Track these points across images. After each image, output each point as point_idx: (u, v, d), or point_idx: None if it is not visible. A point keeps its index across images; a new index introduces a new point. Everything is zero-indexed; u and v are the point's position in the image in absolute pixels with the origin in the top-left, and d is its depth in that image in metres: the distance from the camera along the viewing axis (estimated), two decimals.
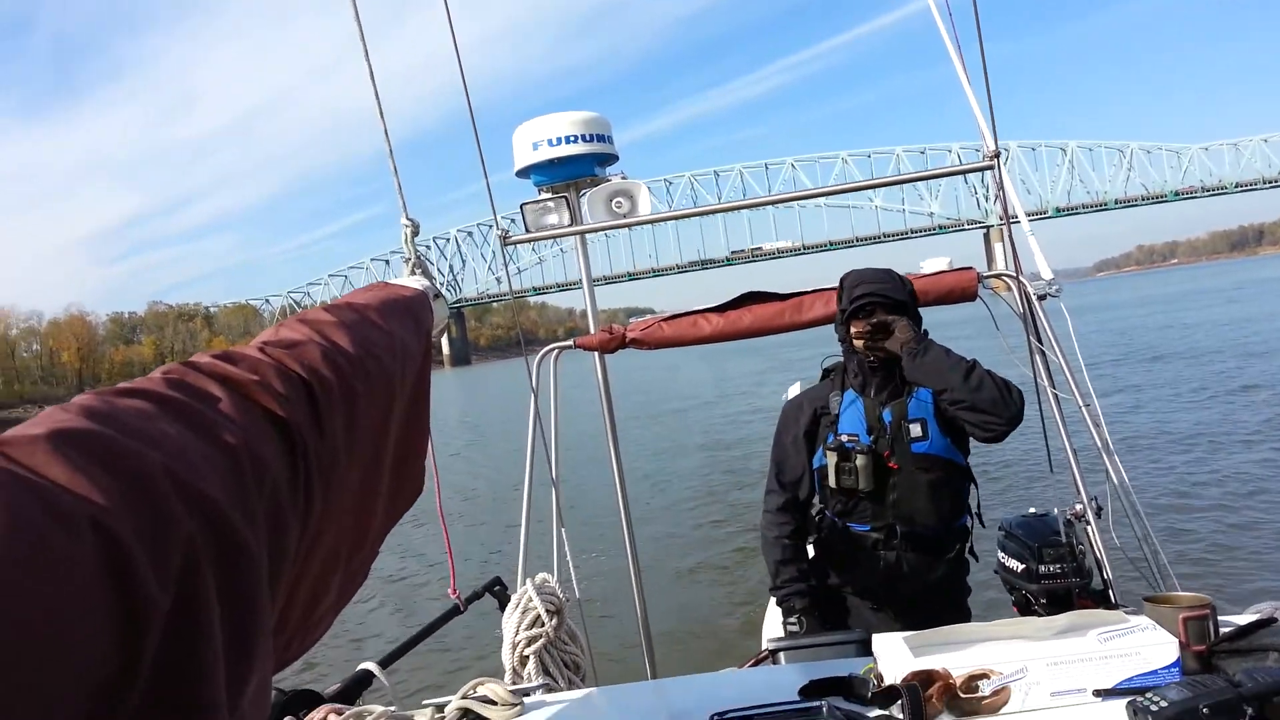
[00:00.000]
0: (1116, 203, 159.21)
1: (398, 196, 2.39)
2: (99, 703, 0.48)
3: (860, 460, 2.76)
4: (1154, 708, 1.27)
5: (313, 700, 2.00)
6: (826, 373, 3.13)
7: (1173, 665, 1.44)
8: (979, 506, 3.02)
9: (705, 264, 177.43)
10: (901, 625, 2.77)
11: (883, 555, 2.85)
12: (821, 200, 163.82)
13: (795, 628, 2.87)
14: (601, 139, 3.89)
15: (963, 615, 2.99)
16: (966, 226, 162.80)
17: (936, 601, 2.91)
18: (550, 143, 3.82)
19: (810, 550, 3.10)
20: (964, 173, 3.04)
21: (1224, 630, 1.58)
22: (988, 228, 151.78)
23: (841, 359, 3.02)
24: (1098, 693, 1.41)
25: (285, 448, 0.80)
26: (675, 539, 10.51)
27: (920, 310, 2.94)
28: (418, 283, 1.61)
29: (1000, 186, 2.81)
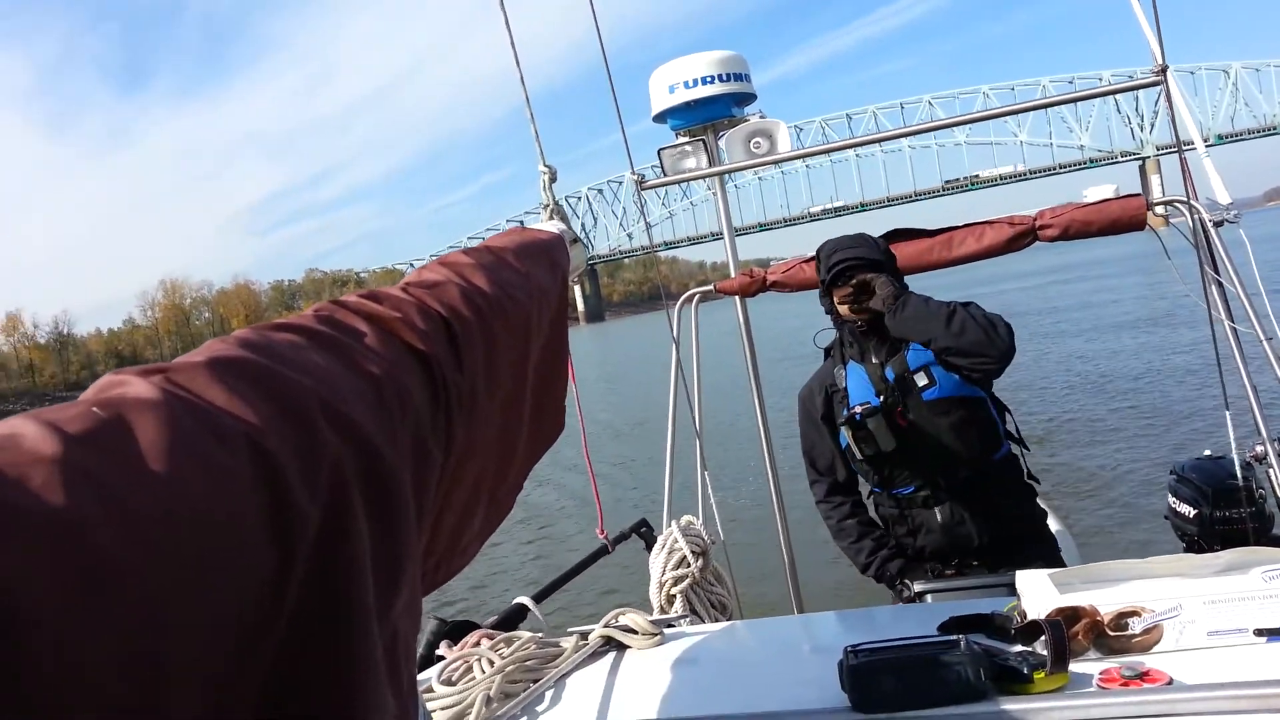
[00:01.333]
0: (1221, 138, 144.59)
1: (535, 144, 2.43)
2: (262, 595, 0.53)
3: (872, 423, 2.74)
4: None
5: (471, 629, 2.12)
6: (827, 352, 3.08)
7: None
8: (1018, 431, 2.95)
9: (839, 211, 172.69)
10: (989, 573, 2.77)
11: (936, 511, 2.82)
12: (963, 137, 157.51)
13: (904, 590, 2.82)
14: (739, 78, 3.82)
15: (1049, 546, 2.93)
16: (1120, 159, 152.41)
17: (1012, 539, 2.85)
18: (687, 85, 3.79)
19: None
20: (1130, 90, 2.83)
21: None
22: (1143, 159, 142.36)
23: (835, 334, 3.01)
24: (1260, 632, 1.33)
25: (426, 380, 0.84)
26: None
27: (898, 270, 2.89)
28: (555, 227, 1.65)
29: (1170, 104, 2.60)
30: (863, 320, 2.81)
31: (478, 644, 1.85)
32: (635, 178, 3.38)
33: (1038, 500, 2.97)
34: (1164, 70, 2.52)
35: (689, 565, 2.61)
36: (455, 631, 2.18)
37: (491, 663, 1.71)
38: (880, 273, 2.78)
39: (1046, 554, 2.89)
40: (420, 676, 1.76)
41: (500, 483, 1.14)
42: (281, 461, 0.57)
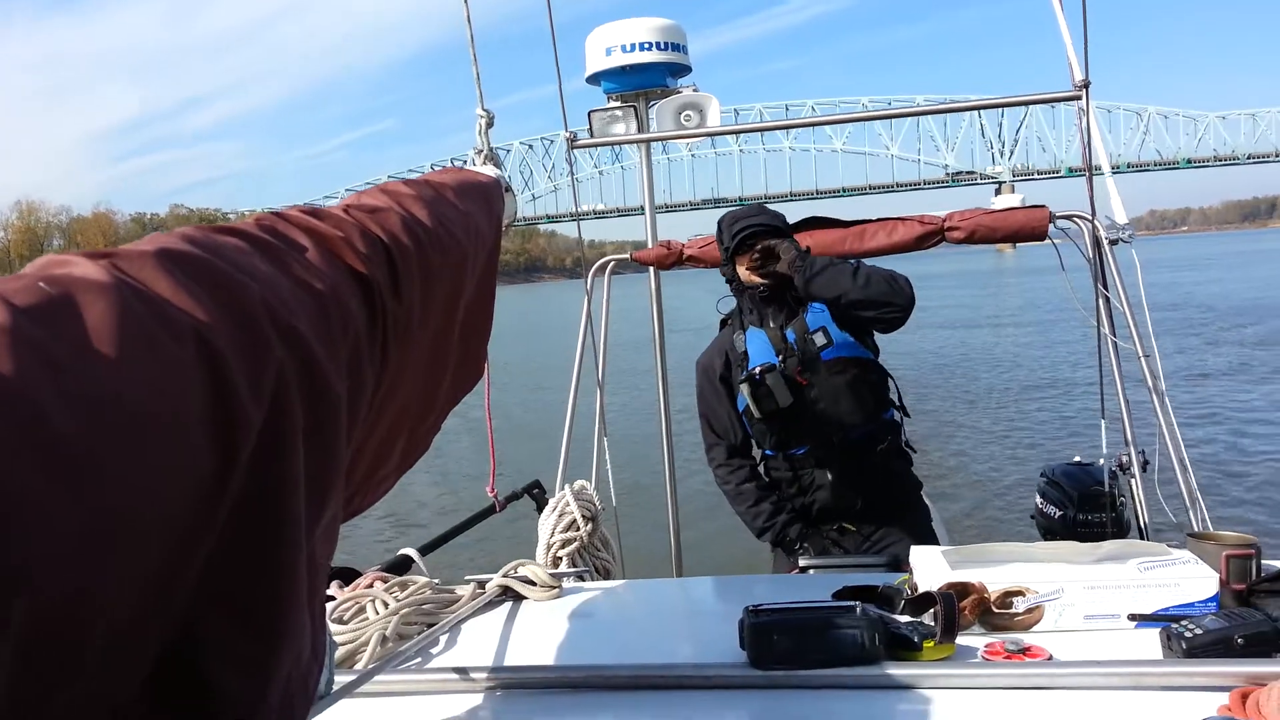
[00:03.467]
0: (1129, 166, 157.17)
1: (475, 86, 2.38)
2: (201, 497, 0.51)
3: (771, 379, 2.83)
4: (1188, 634, 1.28)
5: (355, 575, 2.08)
6: (724, 321, 3.16)
7: (1210, 600, 1.44)
8: (901, 398, 3.09)
9: (717, 203, 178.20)
10: (862, 538, 2.96)
11: (829, 468, 2.92)
12: (840, 144, 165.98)
13: (803, 553, 2.90)
14: (677, 48, 3.82)
15: (924, 515, 3.11)
16: (979, 180, 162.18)
17: (894, 503, 3.01)
18: (625, 49, 3.76)
19: None
20: (1049, 101, 2.95)
21: (1266, 573, 1.57)
22: (999, 183, 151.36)
23: (735, 304, 3.08)
24: (1133, 618, 1.42)
25: (366, 303, 0.82)
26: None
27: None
28: (491, 171, 1.63)
29: (1084, 120, 2.71)
30: (766, 285, 2.88)
31: (371, 585, 1.82)
32: (568, 136, 3.34)
33: (912, 467, 3.10)
34: (1085, 85, 2.62)
35: (578, 529, 2.61)
36: (341, 575, 2.14)
37: (386, 604, 1.69)
38: (782, 239, 2.87)
39: (922, 522, 3.06)
40: None
41: (421, 420, 1.13)
42: (228, 359, 0.55)
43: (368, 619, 1.65)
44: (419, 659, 1.54)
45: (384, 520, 9.03)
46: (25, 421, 0.41)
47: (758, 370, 2.85)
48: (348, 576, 2.05)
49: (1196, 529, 2.68)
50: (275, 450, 0.58)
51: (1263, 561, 1.61)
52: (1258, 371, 15.46)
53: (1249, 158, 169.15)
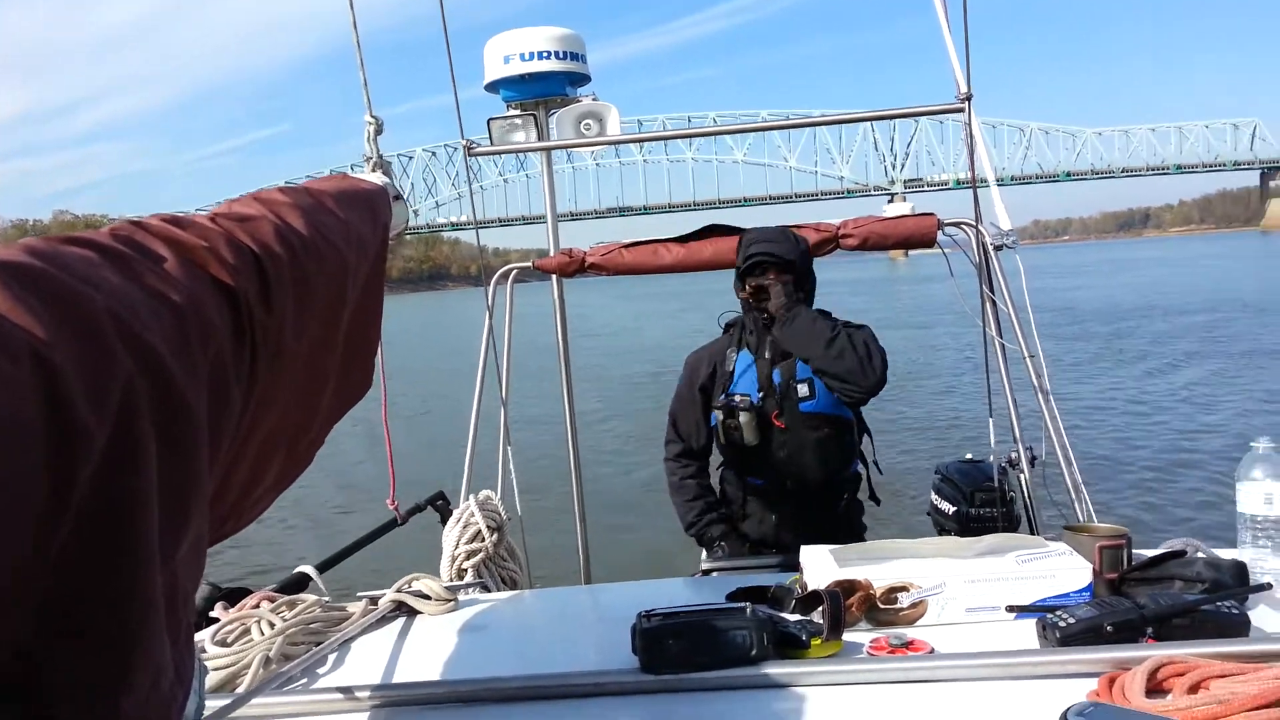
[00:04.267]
0: (1013, 179, 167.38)
1: (363, 92, 2.33)
2: (36, 513, 0.48)
3: (744, 417, 2.85)
4: (1062, 623, 1.33)
5: (246, 596, 2.01)
6: (727, 327, 3.19)
7: (1084, 590, 1.50)
8: (875, 455, 3.14)
9: (623, 211, 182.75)
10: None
11: (775, 507, 2.97)
12: (741, 155, 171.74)
13: (719, 554, 2.94)
14: (576, 57, 3.82)
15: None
16: (873, 192, 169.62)
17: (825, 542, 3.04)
18: (523, 57, 3.75)
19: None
20: (934, 113, 3.04)
21: (1136, 562, 1.65)
22: (892, 195, 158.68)
23: (740, 316, 3.10)
24: (1011, 609, 1.47)
25: (232, 316, 0.80)
26: (622, 473, 10.66)
27: (811, 270, 3.02)
28: (378, 179, 1.60)
29: (968, 131, 2.81)
30: (765, 316, 2.89)
31: (257, 606, 1.76)
32: (465, 144, 3.30)
33: (862, 518, 3.14)
34: (968, 98, 2.72)
35: (483, 540, 2.57)
36: (231, 596, 2.07)
37: (272, 624, 1.63)
38: (790, 273, 2.86)
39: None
40: None
41: (301, 435, 1.09)
42: (68, 377, 0.53)
43: (251, 640, 1.60)
44: (304, 679, 1.49)
45: (284, 537, 8.76)
46: None
47: (737, 399, 2.87)
48: (238, 597, 1.98)
49: (1081, 521, 2.80)
50: (122, 466, 0.55)
51: (1133, 551, 1.69)
52: (1137, 369, 16.36)
53: (1123, 171, 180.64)
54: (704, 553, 3.11)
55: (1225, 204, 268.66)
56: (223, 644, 1.61)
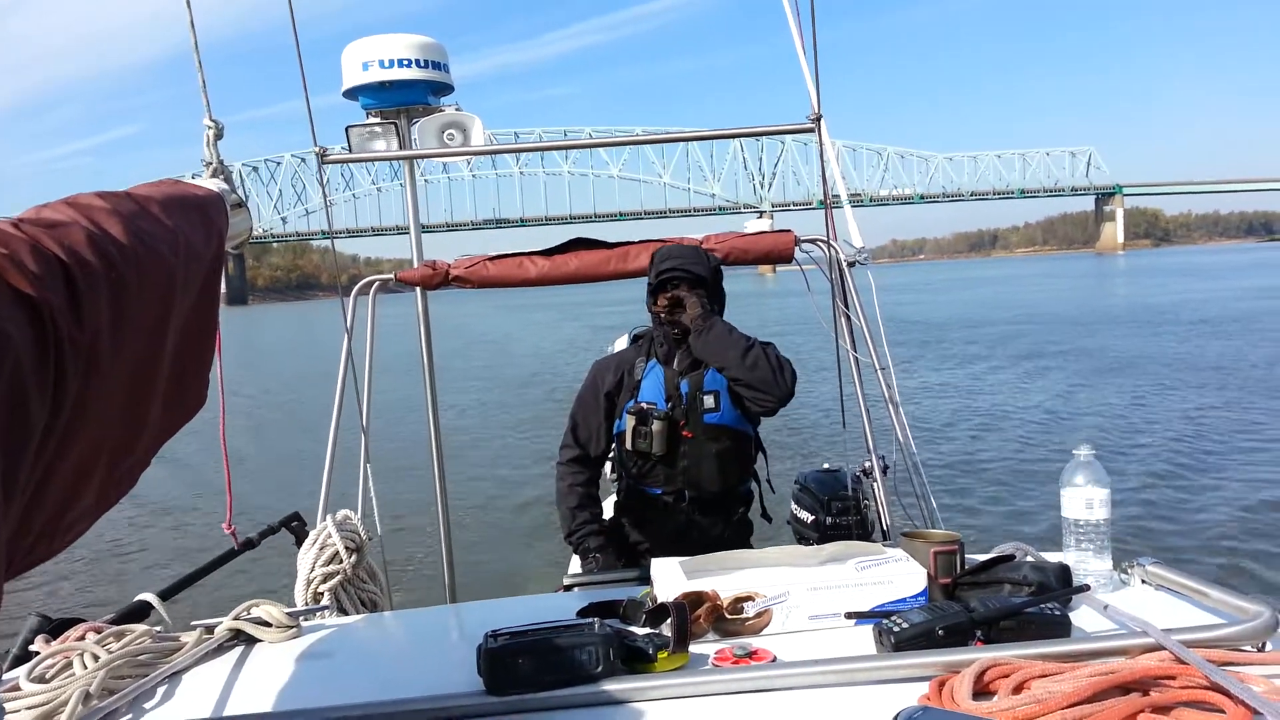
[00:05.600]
0: (871, 200, 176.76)
1: (201, 95, 2.24)
2: None
3: (656, 425, 2.89)
4: (896, 629, 1.38)
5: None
6: (636, 339, 3.22)
7: (920, 594, 1.57)
8: (769, 474, 3.22)
9: (499, 223, 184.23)
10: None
11: (672, 516, 3.01)
12: (616, 170, 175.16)
13: (592, 566, 2.95)
14: (438, 66, 3.77)
15: None
16: (743, 210, 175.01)
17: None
18: (383, 64, 3.67)
19: (609, 510, 3.22)
20: (786, 132, 3.15)
21: (969, 567, 1.73)
22: (760, 212, 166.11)
23: (649, 328, 3.13)
24: (850, 615, 1.52)
25: (33, 329, 0.75)
26: (489, 491, 10.52)
27: (721, 286, 3.07)
28: (215, 185, 1.53)
29: (820, 149, 2.92)
30: (677, 330, 2.91)
31: (82, 638, 1.64)
32: (318, 151, 3.20)
33: (751, 540, 3.18)
34: (819, 119, 2.82)
35: (341, 561, 2.49)
36: (59, 629, 1.93)
37: (96, 658, 1.53)
38: (702, 287, 2.90)
39: None
40: (8, 675, 1.53)
41: (124, 455, 1.03)
42: None
43: (73, 675, 1.49)
44: (129, 715, 1.40)
45: (127, 563, 8.25)
46: None
47: (647, 407, 2.89)
48: (69, 627, 1.85)
49: (928, 527, 2.93)
50: None
51: (967, 556, 1.77)
52: (985, 381, 17.30)
53: (971, 195, 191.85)
54: (570, 568, 3.10)
55: (1066, 227, 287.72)
56: (40, 680, 1.50)
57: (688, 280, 2.91)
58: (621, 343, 4.31)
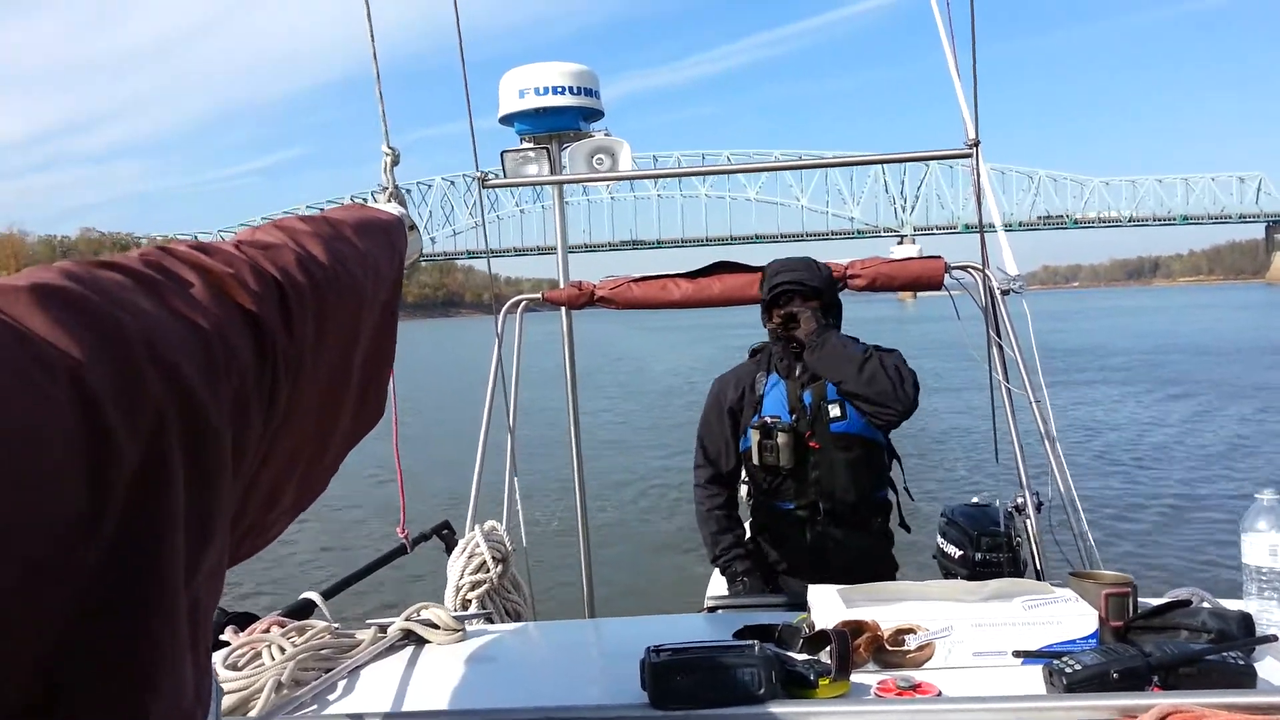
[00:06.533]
0: (1021, 225, 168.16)
1: (381, 124, 2.38)
2: (69, 537, 0.50)
3: (782, 438, 2.85)
4: (1068, 670, 1.34)
5: (254, 620, 2.02)
6: (754, 353, 3.19)
7: (1090, 636, 1.51)
8: (905, 481, 3.14)
9: (636, 244, 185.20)
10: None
11: (808, 531, 2.95)
12: (754, 193, 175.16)
13: (739, 589, 2.94)
14: (589, 93, 3.88)
15: None
16: (883, 234, 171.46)
17: (865, 573, 3.00)
18: (538, 91, 3.81)
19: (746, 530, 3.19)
20: (942, 158, 3.09)
21: (1142, 610, 1.65)
22: (902, 236, 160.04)
23: (767, 342, 3.10)
24: (1017, 654, 1.48)
25: (255, 342, 0.81)
26: (628, 505, 10.63)
27: (837, 296, 3.04)
28: (395, 209, 1.62)
29: (976, 175, 2.86)
30: (794, 344, 2.91)
31: (268, 630, 1.77)
32: (479, 176, 3.35)
33: (893, 549, 3.12)
34: (976, 144, 2.76)
35: (488, 570, 2.58)
36: (239, 620, 2.07)
37: (283, 649, 1.64)
38: (818, 299, 2.89)
39: None
40: None
41: (316, 461, 1.11)
42: (103, 398, 0.54)
43: (263, 665, 1.61)
44: (314, 705, 1.50)
45: (288, 563, 8.74)
46: None
47: (770, 421, 2.87)
48: (246, 622, 1.99)
49: (1086, 568, 2.80)
50: (152, 491, 0.57)
51: (1139, 599, 1.70)
52: (1145, 415, 16.31)
53: (1130, 220, 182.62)
54: (709, 589, 3.10)
55: (1233, 255, 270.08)
56: (234, 668, 1.62)
57: (801, 293, 2.88)
58: None
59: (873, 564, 2.98)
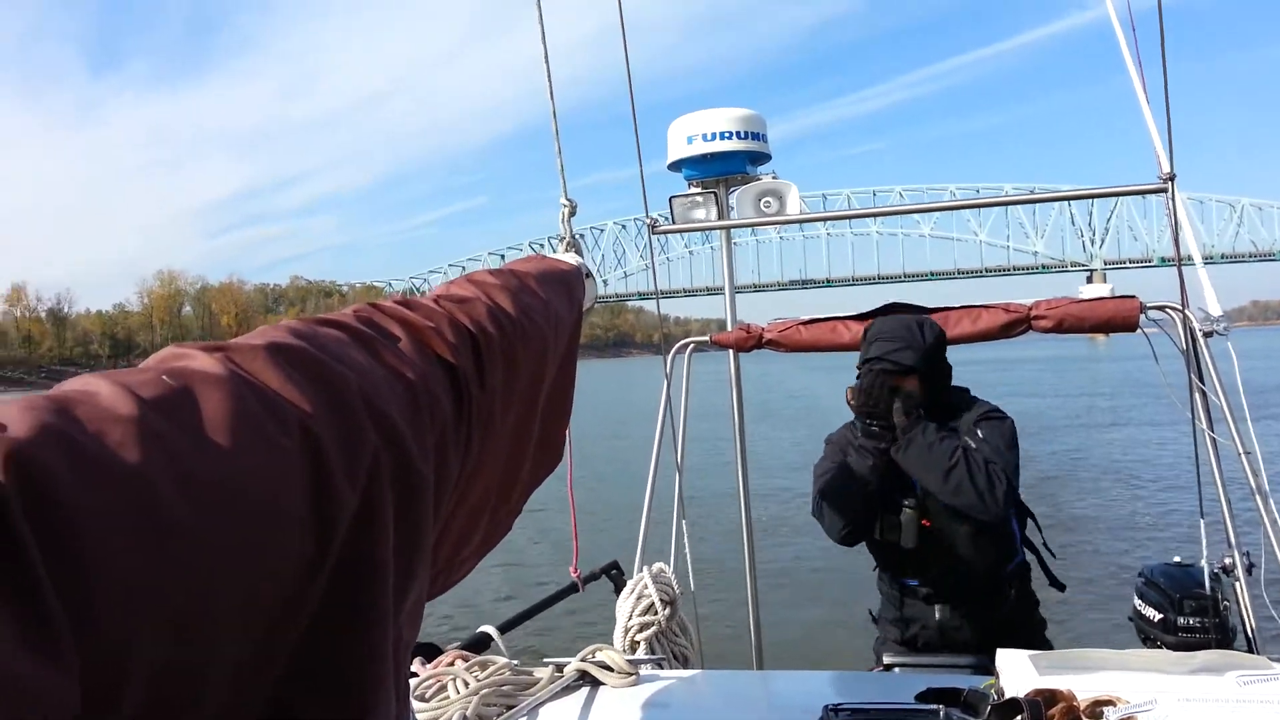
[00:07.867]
0: (1223, 257, 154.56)
1: (559, 177, 2.48)
2: (296, 580, 0.55)
3: (905, 517, 2.70)
4: None
5: (436, 652, 2.12)
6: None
7: None
8: (1044, 539, 2.93)
9: (805, 284, 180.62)
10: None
11: (935, 609, 2.80)
12: (928, 229, 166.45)
13: (891, 654, 2.80)
14: (756, 137, 3.91)
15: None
16: (1070, 268, 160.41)
17: (1005, 644, 2.80)
18: (706, 137, 3.87)
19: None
20: (1135, 194, 2.92)
21: None
22: (1091, 270, 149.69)
23: None
24: None
25: (453, 391, 0.87)
26: (797, 549, 10.46)
27: (944, 362, 2.83)
28: (573, 259, 1.69)
29: (1171, 211, 2.68)
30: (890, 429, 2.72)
31: (452, 664, 1.85)
32: (649, 222, 3.43)
33: (1038, 609, 2.93)
34: (1171, 178, 2.60)
35: (656, 613, 2.59)
36: (421, 652, 2.17)
37: (467, 684, 1.71)
38: (912, 375, 2.69)
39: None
40: None
41: (503, 503, 1.16)
42: (328, 449, 0.60)
43: (449, 698, 1.68)
44: None
45: (459, 596, 9.09)
46: (143, 506, 0.45)
47: (897, 497, 2.73)
48: (428, 653, 2.09)
49: None
50: (367, 534, 0.62)
51: None
52: None
53: None
54: (882, 644, 2.99)
55: None
56: (421, 699, 1.70)
57: (894, 372, 2.67)
58: None
59: (1010, 633, 2.71)
